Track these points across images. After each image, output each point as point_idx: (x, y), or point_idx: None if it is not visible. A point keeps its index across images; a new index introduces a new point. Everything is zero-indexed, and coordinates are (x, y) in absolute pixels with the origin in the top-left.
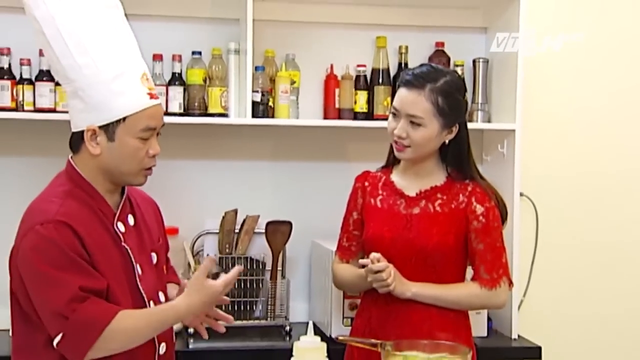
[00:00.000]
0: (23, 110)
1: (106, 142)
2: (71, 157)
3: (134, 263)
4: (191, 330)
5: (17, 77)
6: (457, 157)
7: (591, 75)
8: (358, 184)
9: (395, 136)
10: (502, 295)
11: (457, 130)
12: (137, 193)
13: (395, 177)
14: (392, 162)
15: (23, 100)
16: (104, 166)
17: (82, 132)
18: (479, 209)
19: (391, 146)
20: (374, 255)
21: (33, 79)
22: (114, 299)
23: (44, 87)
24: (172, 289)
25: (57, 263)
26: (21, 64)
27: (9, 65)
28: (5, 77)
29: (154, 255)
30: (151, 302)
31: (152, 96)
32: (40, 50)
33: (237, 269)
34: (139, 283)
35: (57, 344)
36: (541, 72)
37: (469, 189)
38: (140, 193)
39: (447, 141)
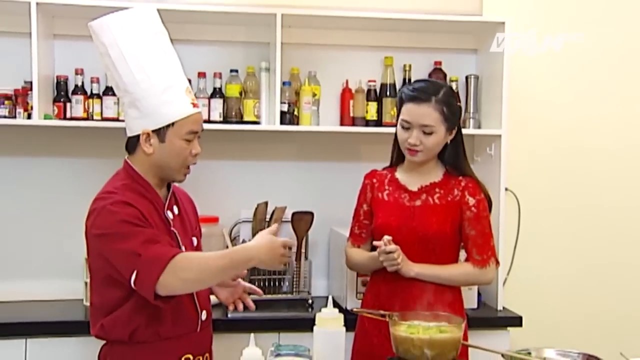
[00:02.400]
0: (93, 120)
1: (158, 143)
2: (127, 158)
3: (181, 245)
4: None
5: (88, 93)
6: (454, 156)
7: (566, 85)
8: (367, 181)
9: (410, 145)
10: (491, 273)
11: (455, 132)
12: (177, 189)
13: (399, 174)
14: (395, 162)
15: (93, 111)
16: (155, 164)
17: (137, 136)
18: (471, 200)
19: (393, 148)
20: (387, 237)
21: (101, 93)
22: None
23: (109, 100)
24: None
25: (128, 221)
26: (91, 82)
27: (82, 82)
28: (79, 92)
29: (194, 239)
30: None
31: (194, 105)
32: None
33: (275, 227)
34: None
35: (134, 282)
36: (524, 85)
37: (463, 184)
38: (180, 189)
39: (448, 142)
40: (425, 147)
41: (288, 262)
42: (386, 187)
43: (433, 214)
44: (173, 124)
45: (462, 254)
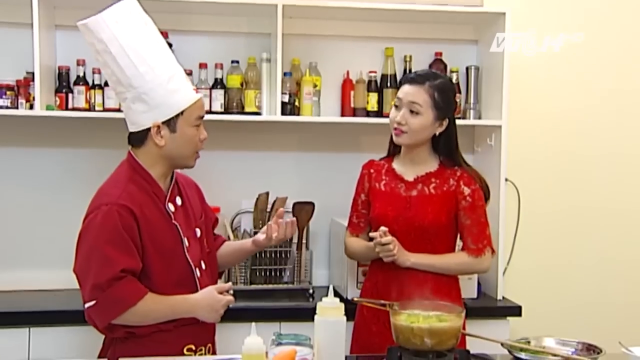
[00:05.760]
0: (95, 110)
1: (169, 134)
2: (131, 150)
3: (182, 237)
4: (231, 291)
5: (90, 83)
6: (447, 147)
7: (566, 78)
8: (364, 171)
9: (396, 123)
10: (486, 262)
11: (447, 124)
12: (182, 178)
13: (396, 164)
14: (392, 152)
15: (94, 102)
16: (166, 154)
17: (145, 129)
18: (466, 190)
19: (391, 138)
20: (383, 229)
21: (103, 84)
22: (163, 268)
23: (111, 91)
24: (233, 244)
25: (112, 241)
26: (93, 73)
27: (84, 73)
28: (81, 83)
29: (198, 230)
30: (197, 269)
31: (196, 90)
32: None
33: (231, 298)
34: (186, 253)
35: (88, 308)
36: (524, 76)
37: (458, 174)
38: (185, 178)
39: (437, 133)
40: (410, 129)
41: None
42: (383, 177)
43: (429, 203)
44: (182, 112)
45: (459, 243)
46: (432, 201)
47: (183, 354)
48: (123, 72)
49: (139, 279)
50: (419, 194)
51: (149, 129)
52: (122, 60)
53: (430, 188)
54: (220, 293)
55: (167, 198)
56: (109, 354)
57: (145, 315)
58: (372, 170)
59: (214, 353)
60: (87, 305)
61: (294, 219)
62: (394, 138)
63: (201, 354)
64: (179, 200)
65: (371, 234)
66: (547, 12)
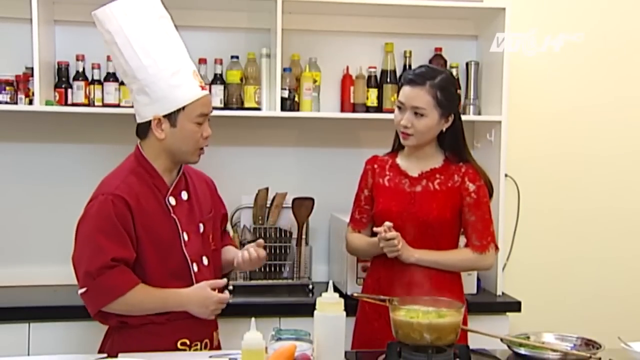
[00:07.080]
0: (94, 106)
1: (169, 128)
2: (139, 142)
3: (181, 231)
4: (231, 287)
5: (89, 79)
6: (453, 143)
7: (566, 76)
8: (368, 166)
9: (402, 126)
10: (490, 259)
11: (453, 120)
12: (194, 173)
13: (400, 160)
14: (397, 148)
15: (94, 98)
16: (167, 148)
17: (148, 121)
18: (471, 187)
19: (396, 134)
20: (387, 224)
21: (102, 80)
22: (158, 259)
23: (110, 87)
24: (229, 252)
25: (104, 230)
26: (92, 68)
27: (83, 69)
28: (80, 78)
29: (201, 225)
30: (194, 264)
31: (202, 88)
32: (108, 56)
33: (228, 295)
34: (184, 247)
35: (81, 294)
36: (524, 72)
37: (463, 170)
38: (198, 173)
39: (444, 129)
40: (417, 130)
41: (218, 313)
42: (387, 173)
43: (433, 199)
44: (184, 107)
45: (463, 240)
46: (437, 197)
47: (177, 348)
48: (127, 64)
49: (134, 268)
50: (423, 190)
51: (150, 122)
52: (126, 52)
53: (434, 184)
54: (221, 291)
55: (170, 191)
56: (107, 347)
57: (135, 305)
58: (375, 166)
59: (217, 348)
60: (79, 291)
61: (264, 254)
62: (402, 141)
63: (196, 349)
64: (184, 195)
65: (375, 229)
66: (547, 11)
